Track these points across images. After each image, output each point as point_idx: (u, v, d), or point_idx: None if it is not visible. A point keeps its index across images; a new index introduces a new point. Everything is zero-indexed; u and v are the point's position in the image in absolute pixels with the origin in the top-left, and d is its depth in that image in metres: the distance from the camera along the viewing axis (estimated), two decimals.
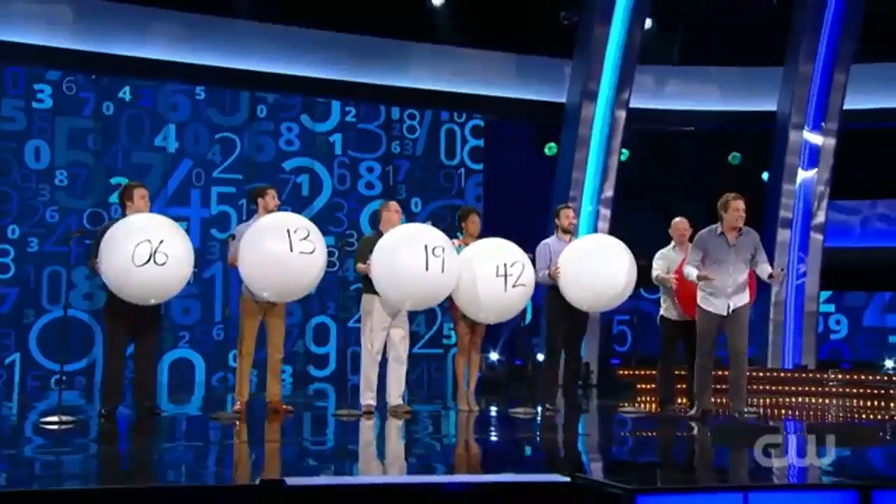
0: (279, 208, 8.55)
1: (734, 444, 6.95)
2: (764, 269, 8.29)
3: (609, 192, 13.44)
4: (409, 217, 14.00)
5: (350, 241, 9.54)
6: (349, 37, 13.68)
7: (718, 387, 9.05)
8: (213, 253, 12.91)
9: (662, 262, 9.11)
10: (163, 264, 7.32)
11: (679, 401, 9.39)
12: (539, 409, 9.13)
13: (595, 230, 13.16)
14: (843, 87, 13.45)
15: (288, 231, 7.72)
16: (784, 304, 13.56)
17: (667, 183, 14.03)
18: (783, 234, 13.62)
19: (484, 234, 13.28)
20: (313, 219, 13.01)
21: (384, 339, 8.44)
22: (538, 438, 7.69)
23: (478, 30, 13.88)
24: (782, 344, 13.51)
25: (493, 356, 13.42)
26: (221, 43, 13.12)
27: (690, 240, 8.80)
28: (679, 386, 9.50)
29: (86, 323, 12.41)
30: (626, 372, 12.91)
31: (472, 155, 14.46)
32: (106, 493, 4.44)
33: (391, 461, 6.20)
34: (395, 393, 8.51)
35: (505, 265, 8.23)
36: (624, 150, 14.22)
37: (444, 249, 7.92)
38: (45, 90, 12.47)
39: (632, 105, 14.02)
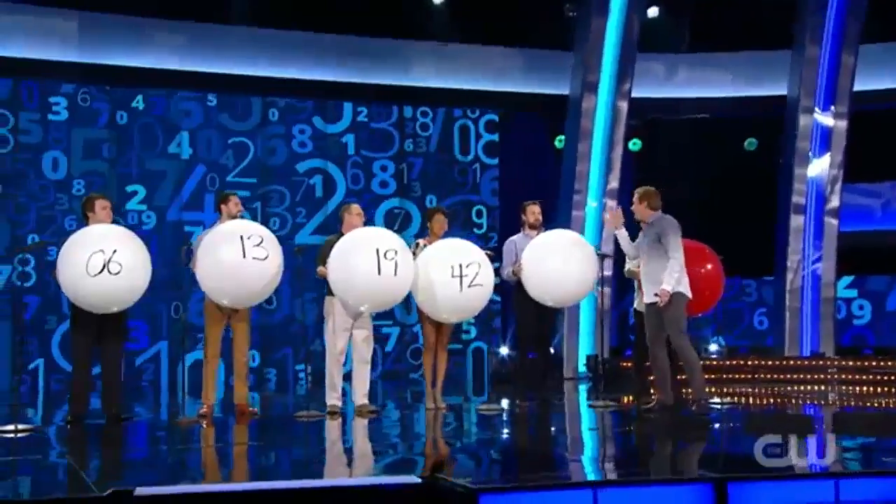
0: (242, 214, 8.68)
1: (665, 437, 6.97)
2: None
3: (614, 184, 13.40)
4: (425, 214, 14.15)
5: (308, 247, 9.60)
6: (355, 39, 13.81)
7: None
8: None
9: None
10: (116, 273, 7.54)
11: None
12: (504, 405, 9.30)
13: (602, 223, 13.12)
14: (852, 68, 13.19)
15: (241, 238, 7.89)
16: (800, 291, 13.34)
17: (680, 172, 13.90)
18: (797, 220, 13.42)
19: (502, 229, 13.51)
20: (328, 219, 13.54)
21: (347, 339, 8.58)
22: (432, 439, 7.67)
23: (482, 26, 13.92)
24: (799, 331, 13.30)
25: (504, 350, 13.48)
26: (230, 50, 13.37)
27: None
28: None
29: None
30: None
31: (487, 150, 14.52)
32: None
33: (263, 466, 6.32)
34: (360, 392, 8.67)
35: (460, 266, 8.30)
36: (636, 140, 14.15)
37: (396, 252, 8.01)
38: (60, 102, 12.84)
39: (642, 94, 13.96)
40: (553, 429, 8.37)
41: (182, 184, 13.23)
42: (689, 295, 8.32)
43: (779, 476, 5.25)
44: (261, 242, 7.93)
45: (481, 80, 14.17)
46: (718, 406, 9.27)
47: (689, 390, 8.48)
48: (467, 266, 8.31)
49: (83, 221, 8.30)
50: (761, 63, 14.29)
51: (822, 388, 11.56)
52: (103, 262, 7.48)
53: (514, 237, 9.33)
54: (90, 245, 7.58)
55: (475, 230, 14.23)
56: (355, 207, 8.91)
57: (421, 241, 8.87)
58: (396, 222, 13.95)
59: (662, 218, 8.43)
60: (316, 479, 5.05)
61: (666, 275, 8.19)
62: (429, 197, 14.20)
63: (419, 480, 4.75)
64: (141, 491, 4.44)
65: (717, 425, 7.94)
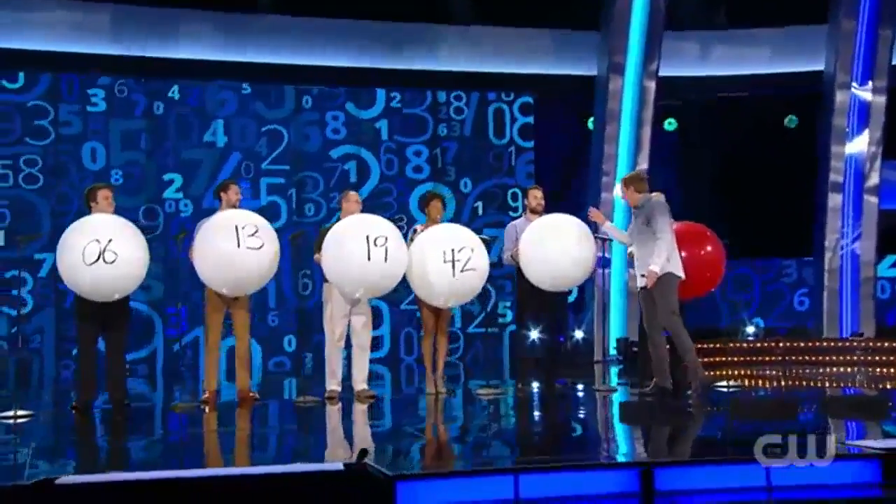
0: (240, 203, 8.78)
1: (641, 424, 6.94)
2: None
3: (644, 165, 13.24)
4: (460, 198, 14.22)
5: (305, 233, 9.67)
6: (385, 25, 13.88)
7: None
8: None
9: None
10: (112, 262, 7.71)
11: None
12: (500, 388, 9.34)
13: None
14: (891, 42, 12.82)
15: (236, 227, 8.01)
16: (839, 272, 13.06)
17: (718, 151, 13.71)
18: (835, 199, 13.12)
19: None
20: (362, 204, 13.65)
21: (345, 326, 8.66)
22: (394, 425, 7.73)
23: (510, 8, 13.86)
24: (839, 312, 13.03)
25: (534, 334, 13.42)
26: (262, 39, 13.56)
27: None
28: None
29: (145, 314, 13.13)
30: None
31: (522, 133, 14.49)
32: None
33: (198, 453, 6.41)
34: (360, 378, 8.74)
35: (452, 251, 8.31)
36: (671, 120, 13.98)
37: (386, 239, 8.06)
38: (98, 94, 13.19)
39: (678, 73, 13.78)
40: (520, 414, 8.32)
41: (217, 172, 13.47)
42: (682, 275, 8.24)
43: (707, 461, 5.22)
44: (255, 232, 8.03)
45: (514, 63, 14.13)
46: (725, 388, 9.16)
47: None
48: (459, 251, 8.32)
49: (87, 211, 8.46)
50: (801, 38, 13.97)
51: (852, 370, 11.31)
52: (98, 251, 7.64)
53: (516, 221, 9.33)
54: (87, 234, 7.76)
55: (511, 213, 14.20)
56: (353, 195, 8.97)
57: (418, 227, 8.92)
58: None
59: (650, 200, 8.36)
60: (239, 466, 5.11)
61: (654, 256, 8.14)
62: (463, 180, 14.23)
63: (342, 467, 4.80)
64: (63, 480, 4.57)
65: (701, 409, 7.82)
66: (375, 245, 8.01)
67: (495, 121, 14.43)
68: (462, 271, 8.31)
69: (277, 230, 8.45)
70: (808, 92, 13.75)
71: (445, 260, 8.28)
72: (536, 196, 9.27)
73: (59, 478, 4.60)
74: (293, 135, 13.74)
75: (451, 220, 13.95)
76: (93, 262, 7.65)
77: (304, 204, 13.62)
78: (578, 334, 13.25)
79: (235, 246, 7.94)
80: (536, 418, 8.05)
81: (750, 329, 13.48)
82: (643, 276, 8.24)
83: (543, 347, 9.33)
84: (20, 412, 7.71)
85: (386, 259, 8.04)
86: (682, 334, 8.32)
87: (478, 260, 8.40)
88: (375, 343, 13.93)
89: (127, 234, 7.94)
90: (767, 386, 9.97)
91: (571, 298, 13.98)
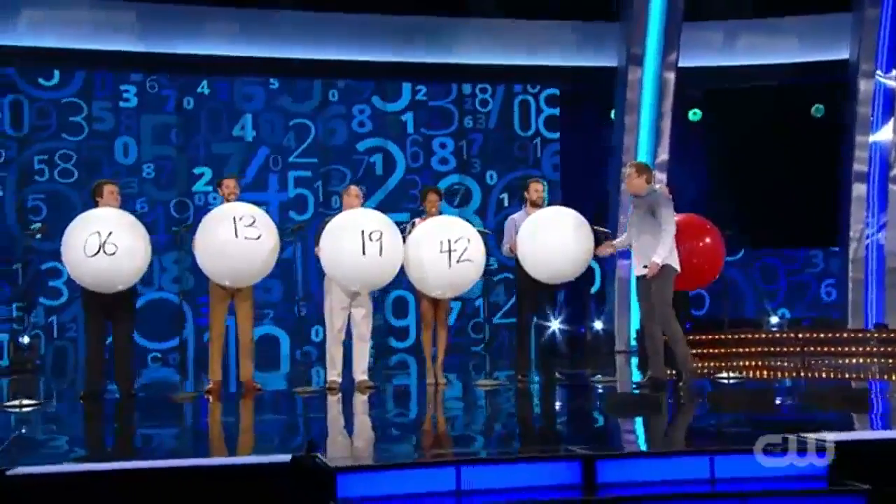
0: (239, 197, 8.98)
1: (625, 415, 7.03)
2: None
3: (663, 156, 13.25)
4: (486, 190, 14.34)
5: (301, 226, 9.82)
6: (409, 19, 14.02)
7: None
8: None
9: None
10: (112, 254, 7.96)
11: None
12: (500, 380, 9.46)
13: None
14: None
15: (234, 218, 8.24)
16: (864, 262, 12.94)
17: (744, 141, 13.64)
18: (859, 189, 12.99)
19: (563, 202, 13.52)
20: (388, 196, 13.87)
21: (346, 318, 8.82)
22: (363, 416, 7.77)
23: (532, 1, 13.91)
24: (864, 303, 12.91)
25: (554, 324, 13.50)
26: (289, 35, 13.77)
27: None
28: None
29: (176, 304, 13.44)
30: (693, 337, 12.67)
31: (548, 124, 14.56)
32: None
33: (164, 444, 6.54)
34: (360, 369, 8.91)
35: (448, 241, 8.43)
36: (696, 110, 13.94)
37: (381, 234, 8.21)
38: (130, 90, 13.55)
39: (702, 63, 13.75)
40: (492, 406, 8.33)
41: (246, 165, 13.77)
42: (678, 269, 8.27)
43: (650, 454, 5.26)
44: (253, 223, 8.24)
45: (539, 56, 14.17)
46: (726, 380, 9.18)
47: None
48: (456, 241, 8.44)
49: (93, 206, 8.69)
50: (828, 26, 13.82)
51: (868, 361, 11.24)
52: (99, 243, 7.89)
53: (515, 214, 9.42)
54: (89, 227, 8.02)
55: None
56: (353, 189, 9.14)
57: (417, 221, 9.05)
58: (457, 198, 14.17)
59: (654, 190, 8.38)
60: (190, 458, 5.25)
61: (659, 247, 8.15)
62: (489, 172, 14.36)
63: (288, 459, 4.93)
64: (15, 471, 4.75)
65: (689, 401, 7.87)
66: (370, 239, 8.17)
67: (521, 113, 14.52)
68: (458, 262, 8.43)
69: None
70: (835, 81, 13.62)
71: (442, 251, 8.41)
72: (537, 189, 9.37)
73: (9, 469, 4.77)
74: (320, 128, 13.97)
75: (477, 212, 14.25)
76: (94, 255, 7.89)
77: (330, 196, 13.83)
78: (599, 325, 13.28)
79: (233, 236, 8.14)
80: (504, 410, 8.09)
81: (774, 319, 13.40)
82: (645, 266, 8.28)
83: (543, 338, 9.40)
84: (25, 401, 8.01)
85: (381, 253, 8.19)
86: (673, 325, 8.34)
87: (474, 251, 8.51)
88: (403, 333, 14.22)
89: (127, 227, 8.16)
90: (773, 376, 9.95)
91: (594, 290, 14.08)
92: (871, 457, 5.31)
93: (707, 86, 14.09)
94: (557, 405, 8.42)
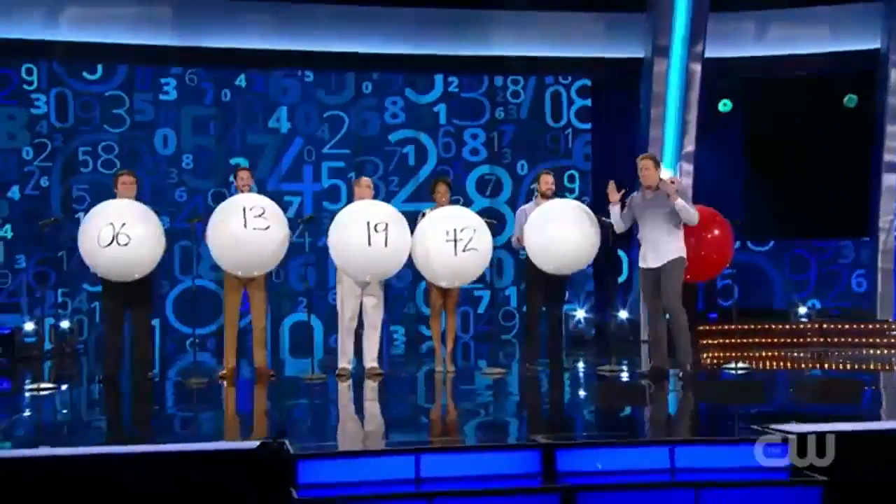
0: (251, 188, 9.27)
1: (610, 404, 7.17)
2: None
3: (690, 147, 13.28)
4: (517, 180, 14.49)
5: (312, 218, 10.03)
6: (440, 11, 14.17)
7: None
8: (323, 223, 13.95)
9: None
10: (125, 245, 8.32)
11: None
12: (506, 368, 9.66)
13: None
14: None
15: (244, 209, 8.53)
16: (893, 252, 12.88)
17: (775, 131, 13.62)
18: (889, 179, 12.91)
19: (595, 192, 13.65)
20: (420, 187, 14.07)
21: (357, 307, 9.07)
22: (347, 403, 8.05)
23: None
24: (893, 294, 12.85)
25: (580, 313, 13.67)
26: (322, 28, 14.03)
27: None
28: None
29: (213, 291, 13.81)
30: (717, 327, 12.70)
31: (580, 115, 14.66)
32: None
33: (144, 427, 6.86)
34: (370, 356, 9.16)
35: (455, 230, 8.64)
36: (726, 101, 13.94)
37: (386, 225, 8.44)
38: (170, 83, 13.95)
39: (734, 54, 13.75)
40: (476, 394, 8.59)
41: (281, 156, 14.09)
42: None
43: (610, 443, 5.40)
44: (262, 213, 8.52)
45: (570, 47, 14.26)
46: (734, 371, 9.26)
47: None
48: (461, 231, 8.64)
49: (115, 195, 9.05)
50: (860, 15, 13.71)
51: (889, 352, 11.23)
52: (112, 234, 8.24)
53: (526, 206, 9.60)
54: (103, 218, 8.38)
55: (567, 195, 14.40)
56: (365, 180, 9.38)
57: (427, 211, 9.25)
58: (488, 188, 14.36)
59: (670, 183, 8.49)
60: (152, 444, 5.48)
61: (681, 239, 8.30)
62: (519, 163, 14.51)
63: (255, 445, 5.13)
64: None
65: (687, 391, 7.98)
66: (376, 231, 8.42)
67: (552, 104, 14.64)
68: (464, 251, 8.63)
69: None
70: (868, 70, 13.53)
71: (447, 239, 8.61)
72: (548, 181, 9.53)
73: None
74: (353, 120, 14.23)
75: (507, 203, 14.40)
76: (107, 245, 8.24)
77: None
78: (624, 314, 13.38)
79: (242, 226, 8.44)
80: (490, 399, 8.31)
81: (801, 310, 13.38)
82: (654, 256, 8.42)
83: (550, 327, 9.56)
84: (43, 385, 8.39)
85: (386, 244, 8.43)
86: (682, 316, 8.48)
87: (480, 241, 8.70)
88: None
89: (140, 218, 8.49)
90: (786, 367, 10.00)
91: (622, 279, 14.17)
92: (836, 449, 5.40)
93: (738, 76, 14.07)
94: (546, 394, 8.56)
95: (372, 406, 7.80)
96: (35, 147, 13.65)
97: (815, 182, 13.75)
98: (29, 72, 13.68)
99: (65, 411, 7.69)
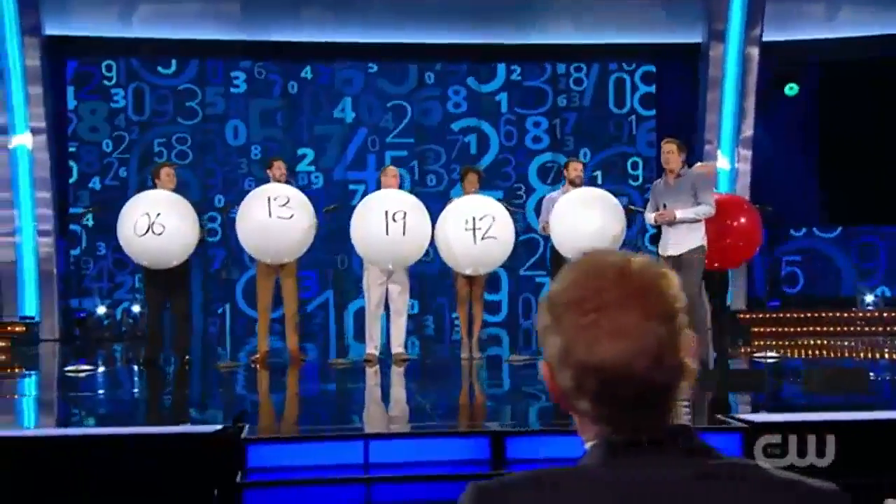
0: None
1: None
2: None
3: (748, 132, 13.09)
4: None
5: (338, 207, 10.22)
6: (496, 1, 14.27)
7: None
8: None
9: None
10: (160, 234, 8.72)
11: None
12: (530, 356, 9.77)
13: (735, 173, 12.97)
14: None
15: (269, 198, 8.84)
16: None
17: (842, 116, 13.34)
18: None
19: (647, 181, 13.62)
20: (483, 174, 14.20)
21: (382, 293, 9.27)
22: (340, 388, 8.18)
23: None
24: None
25: None
26: (384, 20, 14.28)
27: None
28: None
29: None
30: (780, 315, 12.54)
31: (644, 101, 14.60)
32: None
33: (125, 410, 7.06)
34: (396, 342, 9.36)
35: (473, 219, 8.77)
36: (792, 85, 13.71)
37: (405, 214, 8.64)
38: (239, 76, 14.43)
39: (801, 36, 13.51)
40: (466, 381, 8.64)
41: (346, 146, 14.44)
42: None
43: (562, 431, 5.47)
44: (287, 203, 8.81)
45: (632, 33, 14.18)
46: (764, 360, 9.19)
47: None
48: (481, 219, 8.77)
49: (152, 186, 9.45)
50: None
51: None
52: (147, 224, 8.64)
53: (553, 193, 9.64)
54: (140, 208, 8.79)
55: (631, 182, 14.41)
56: (391, 169, 9.56)
57: (455, 200, 9.40)
58: (549, 176, 14.43)
59: (690, 171, 8.40)
60: (119, 426, 5.73)
61: (697, 210, 8.15)
62: (582, 150, 14.50)
63: (216, 429, 5.32)
64: None
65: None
66: (394, 220, 8.62)
67: (616, 90, 14.61)
68: (483, 239, 8.76)
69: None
70: None
71: (467, 228, 8.76)
72: (577, 168, 9.56)
73: None
74: (416, 110, 14.47)
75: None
76: (143, 234, 8.65)
77: (426, 175, 14.33)
78: None
79: (267, 215, 8.74)
80: (492, 385, 8.43)
81: (868, 298, 13.09)
82: (675, 244, 8.39)
83: None
84: (82, 367, 8.86)
85: (404, 233, 8.63)
86: (700, 307, 8.44)
87: (499, 229, 8.82)
88: (494, 307, 14.59)
89: (174, 209, 8.86)
90: (827, 356, 9.86)
91: None
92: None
93: (805, 59, 13.81)
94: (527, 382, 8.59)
95: (374, 391, 8.00)
96: (114, 140, 14.28)
97: (885, 167, 13.42)
98: (108, 68, 14.31)
99: (76, 393, 7.95)
